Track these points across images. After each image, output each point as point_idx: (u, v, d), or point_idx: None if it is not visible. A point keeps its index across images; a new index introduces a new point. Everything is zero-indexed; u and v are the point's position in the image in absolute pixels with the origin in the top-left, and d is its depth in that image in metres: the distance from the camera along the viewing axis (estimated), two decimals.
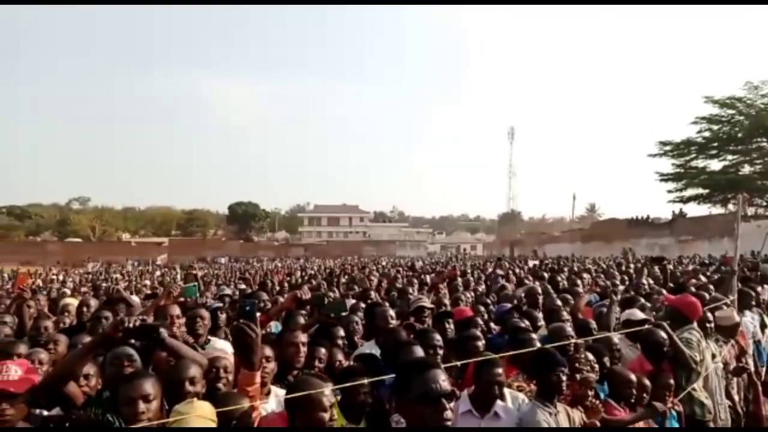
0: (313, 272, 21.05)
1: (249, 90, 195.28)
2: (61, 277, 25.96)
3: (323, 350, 3.56)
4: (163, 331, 2.70)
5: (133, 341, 2.84)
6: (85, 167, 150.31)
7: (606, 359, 3.95)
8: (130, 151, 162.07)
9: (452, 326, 4.56)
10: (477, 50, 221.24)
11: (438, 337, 3.72)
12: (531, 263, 19.06)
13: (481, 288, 9.37)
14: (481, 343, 3.88)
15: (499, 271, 12.56)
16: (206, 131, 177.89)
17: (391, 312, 4.45)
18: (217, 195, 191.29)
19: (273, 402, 2.87)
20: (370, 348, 4.15)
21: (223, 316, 4.92)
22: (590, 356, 3.71)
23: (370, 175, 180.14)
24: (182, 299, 5.30)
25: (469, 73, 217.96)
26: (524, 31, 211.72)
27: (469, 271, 13.67)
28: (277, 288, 10.02)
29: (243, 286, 10.99)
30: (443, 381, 2.07)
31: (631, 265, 15.23)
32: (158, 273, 28.65)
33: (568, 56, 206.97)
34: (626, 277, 10.66)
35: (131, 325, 2.56)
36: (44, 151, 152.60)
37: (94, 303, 5.67)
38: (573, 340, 4.04)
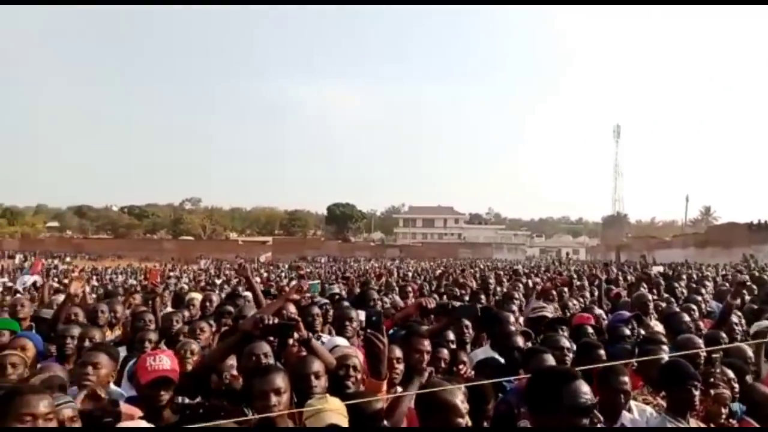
0: (409, 274, 21.19)
1: (346, 92, 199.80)
2: (176, 273, 27.85)
3: (446, 351, 3.59)
4: (303, 331, 2.85)
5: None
6: (197, 170, 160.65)
7: (744, 376, 3.69)
8: (237, 154, 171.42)
9: (566, 333, 4.46)
10: (577, 48, 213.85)
11: (567, 344, 3.65)
12: (655, 270, 17.34)
13: (591, 294, 9.02)
14: (603, 351, 3.76)
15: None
16: (307, 134, 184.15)
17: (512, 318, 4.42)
18: (316, 196, 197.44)
19: None
20: (485, 353, 4.14)
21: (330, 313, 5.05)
22: (729, 373, 3.47)
23: (465, 176, 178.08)
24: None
25: (569, 72, 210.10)
26: (628, 28, 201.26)
27: (575, 276, 13.15)
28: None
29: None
30: (589, 392, 2.02)
31: (756, 273, 14.03)
32: (263, 271, 30.01)
33: (678, 52, 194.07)
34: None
35: (270, 322, 2.72)
36: (160, 155, 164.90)
37: (216, 298, 6.08)
38: (703, 349, 3.81)
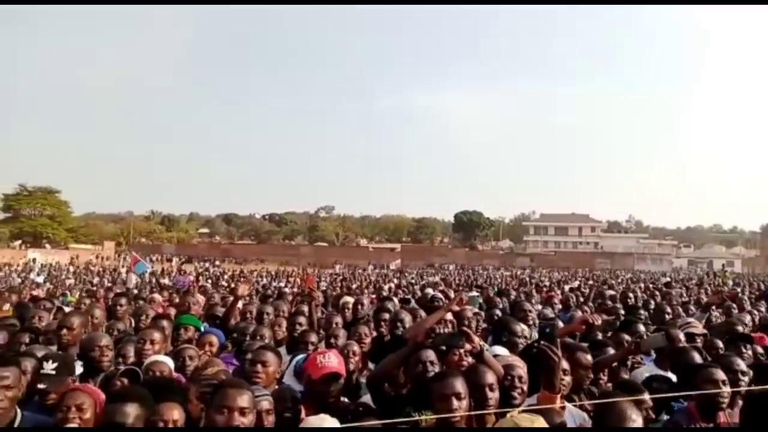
0: (546, 283, 20.45)
1: (472, 98, 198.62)
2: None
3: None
4: (475, 341, 2.83)
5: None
6: (331, 180, 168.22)
7: None
8: (366, 163, 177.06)
9: (750, 351, 4.02)
10: (723, 49, 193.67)
11: (743, 366, 3.31)
12: None
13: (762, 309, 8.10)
14: None
15: None
16: (433, 141, 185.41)
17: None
18: (443, 204, 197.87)
19: (569, 419, 2.79)
20: (650, 371, 3.87)
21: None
22: None
23: (602, 182, 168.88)
24: None
25: (716, 72, 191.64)
26: None
27: (738, 290, 11.92)
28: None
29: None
30: None
31: None
32: (392, 277, 30.62)
33: None
34: None
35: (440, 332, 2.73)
36: (298, 167, 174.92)
37: (366, 301, 6.30)
38: None
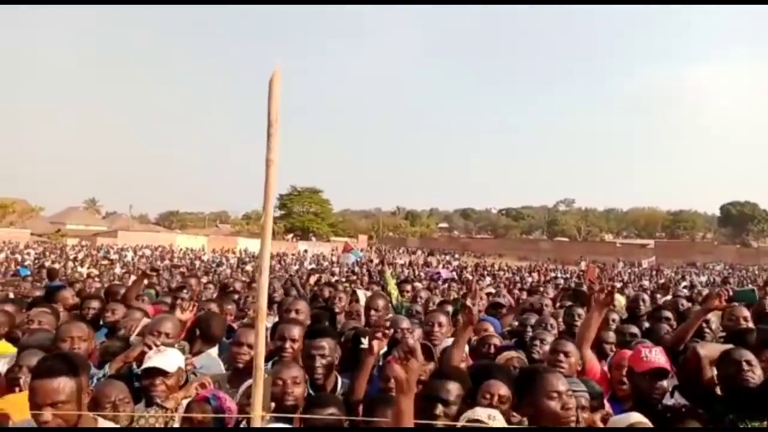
0: None
1: (738, 75, 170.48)
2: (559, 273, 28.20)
3: None
4: None
5: None
6: (570, 172, 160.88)
7: None
8: (609, 153, 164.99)
9: None
10: None
11: None
12: None
13: None
14: None
15: None
16: (690, 126, 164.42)
17: None
18: (706, 194, 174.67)
19: None
20: None
21: None
22: None
23: None
24: None
25: None
26: None
27: None
28: None
29: None
30: None
31: None
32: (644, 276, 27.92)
33: None
34: None
35: None
36: (535, 159, 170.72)
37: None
38: None
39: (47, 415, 2.06)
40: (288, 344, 3.40)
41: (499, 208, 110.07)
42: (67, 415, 2.11)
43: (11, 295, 7.00)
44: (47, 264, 20.36)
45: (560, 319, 4.78)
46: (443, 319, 4.20)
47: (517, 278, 22.57)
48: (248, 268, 25.06)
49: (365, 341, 3.54)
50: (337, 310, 5.35)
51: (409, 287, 7.44)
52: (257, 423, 1.90)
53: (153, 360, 2.92)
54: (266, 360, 3.52)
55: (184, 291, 6.16)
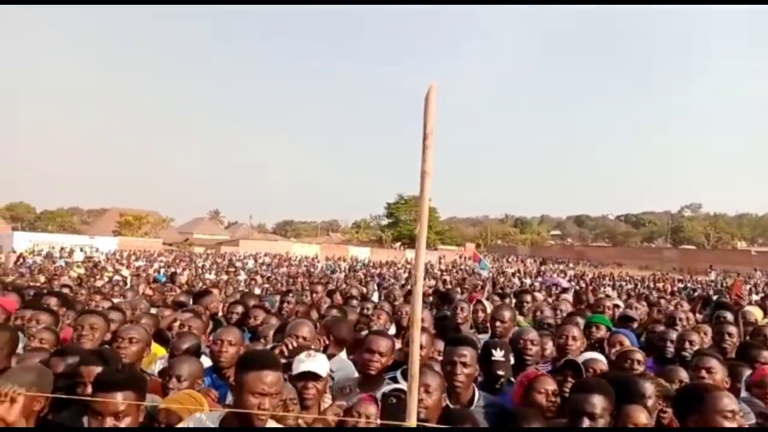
0: None
1: None
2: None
3: None
4: None
5: None
6: (696, 175, 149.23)
7: None
8: (741, 155, 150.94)
9: None
10: None
11: None
12: None
13: None
14: None
15: None
16: None
17: None
18: None
19: None
20: None
21: None
22: None
23: None
24: None
25: None
26: None
27: None
28: None
29: None
30: None
31: None
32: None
33: None
34: None
35: None
36: (654, 161, 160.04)
37: None
38: None
39: (267, 403, 2.29)
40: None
41: (616, 214, 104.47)
42: (275, 407, 2.36)
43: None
44: (178, 271, 22.15)
45: (702, 333, 4.44)
46: (576, 332, 4.03)
47: (641, 289, 21.19)
48: (359, 275, 25.62)
49: (497, 353, 3.48)
50: (459, 320, 5.31)
51: (528, 297, 7.21)
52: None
53: (306, 364, 3.01)
54: (395, 367, 3.60)
55: (290, 295, 6.43)
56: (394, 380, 3.47)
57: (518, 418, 2.51)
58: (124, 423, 2.21)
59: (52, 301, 5.27)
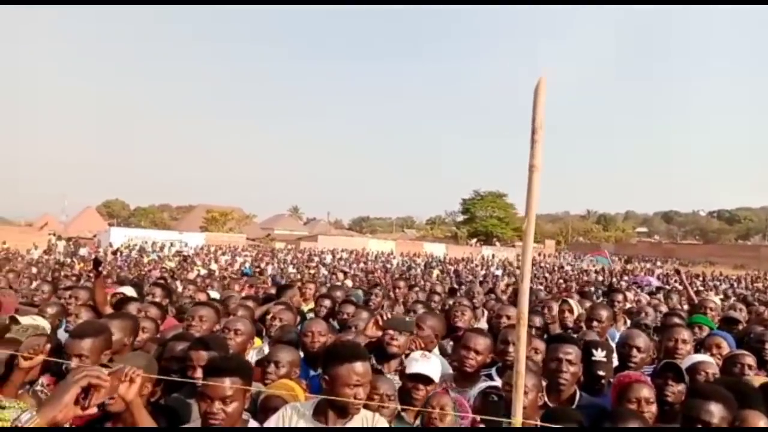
0: None
1: None
2: None
3: None
4: None
5: None
6: None
7: None
8: None
9: None
10: None
11: None
12: None
13: None
14: None
15: None
16: None
17: None
18: None
19: None
20: None
21: None
22: None
23: None
24: None
25: None
26: None
27: None
28: None
29: None
30: None
31: None
32: None
33: None
34: None
35: None
36: (751, 154, 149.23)
37: None
38: None
39: (361, 392, 2.46)
40: (511, 348, 3.40)
41: (708, 210, 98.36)
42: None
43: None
44: (262, 266, 23.00)
45: None
46: (687, 334, 3.82)
47: (738, 289, 19.83)
48: (435, 272, 25.56)
49: (598, 353, 3.37)
50: (548, 320, 5.18)
51: (620, 296, 6.91)
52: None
53: (420, 365, 3.01)
54: (491, 365, 3.57)
55: (378, 288, 6.43)
56: (489, 377, 3.46)
57: (617, 420, 2.41)
58: (231, 407, 2.30)
59: (157, 292, 5.65)
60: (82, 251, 30.86)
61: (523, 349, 1.87)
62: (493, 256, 46.04)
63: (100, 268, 4.88)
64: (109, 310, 4.55)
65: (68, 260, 23.51)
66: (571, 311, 5.24)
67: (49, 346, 2.92)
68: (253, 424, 2.50)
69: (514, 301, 7.64)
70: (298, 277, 16.81)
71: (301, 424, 2.50)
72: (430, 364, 3.05)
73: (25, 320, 3.92)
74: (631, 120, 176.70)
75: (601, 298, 9.35)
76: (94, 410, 1.63)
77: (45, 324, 3.86)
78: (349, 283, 13.39)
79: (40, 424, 1.47)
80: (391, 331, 3.52)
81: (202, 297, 6.18)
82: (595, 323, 4.41)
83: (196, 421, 2.56)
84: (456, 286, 11.56)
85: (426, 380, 2.98)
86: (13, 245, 31.12)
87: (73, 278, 12.14)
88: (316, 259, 32.96)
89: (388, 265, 31.11)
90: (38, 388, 2.97)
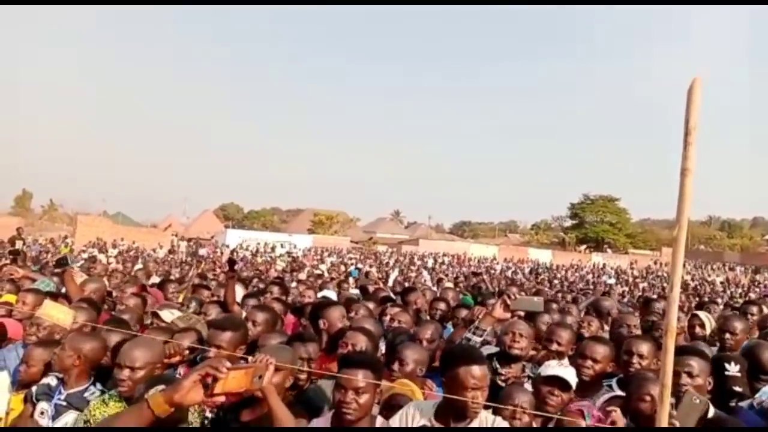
0: None
1: None
2: None
3: None
4: None
5: None
6: None
7: None
8: None
9: None
10: None
11: None
12: None
13: None
14: None
15: None
16: None
17: None
18: None
19: None
20: None
21: None
22: None
23: None
24: None
25: None
26: None
27: None
28: None
29: None
30: None
31: None
32: None
33: None
34: None
35: None
36: None
37: None
38: None
39: (480, 395, 2.49)
40: (635, 359, 3.28)
41: None
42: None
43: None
44: (366, 268, 23.51)
45: None
46: None
47: None
48: (541, 279, 24.83)
49: (731, 367, 3.16)
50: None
51: (755, 309, 6.36)
52: None
53: (557, 370, 3.01)
54: (610, 375, 3.44)
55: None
56: (610, 388, 3.35)
57: None
58: (363, 399, 2.42)
59: (275, 289, 6.15)
60: (202, 251, 33.18)
61: (670, 362, 1.79)
62: (604, 265, 43.87)
63: (235, 268, 5.24)
64: (237, 309, 4.89)
65: (189, 259, 25.45)
66: (702, 326, 4.90)
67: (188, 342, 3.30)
68: (380, 419, 2.60)
69: (642, 310, 7.29)
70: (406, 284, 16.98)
71: (423, 423, 2.57)
72: (567, 371, 3.01)
73: (164, 314, 4.32)
74: (752, 116, 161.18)
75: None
76: (221, 398, 1.79)
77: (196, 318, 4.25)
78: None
79: (159, 398, 1.68)
80: (514, 330, 3.50)
81: (310, 294, 6.44)
82: (727, 335, 4.10)
83: (328, 413, 2.70)
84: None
85: (564, 386, 2.94)
86: (141, 245, 34.61)
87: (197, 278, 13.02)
88: (418, 262, 33.16)
89: (492, 271, 30.66)
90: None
